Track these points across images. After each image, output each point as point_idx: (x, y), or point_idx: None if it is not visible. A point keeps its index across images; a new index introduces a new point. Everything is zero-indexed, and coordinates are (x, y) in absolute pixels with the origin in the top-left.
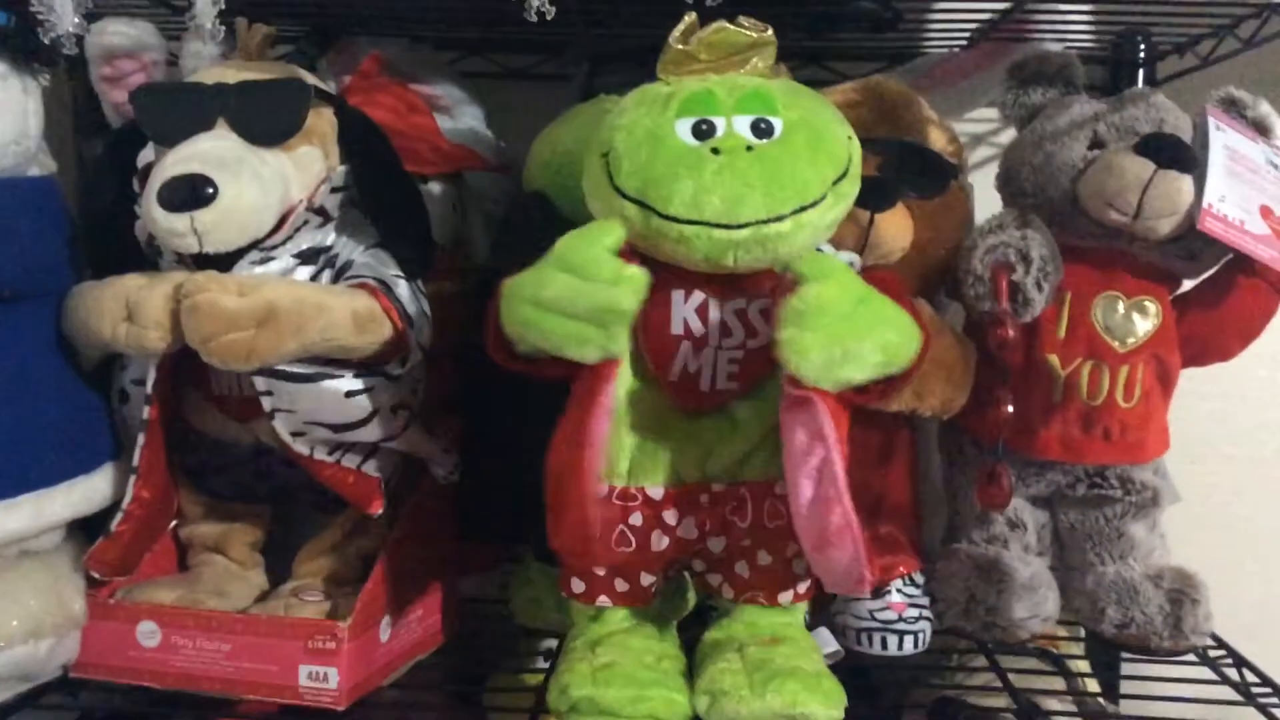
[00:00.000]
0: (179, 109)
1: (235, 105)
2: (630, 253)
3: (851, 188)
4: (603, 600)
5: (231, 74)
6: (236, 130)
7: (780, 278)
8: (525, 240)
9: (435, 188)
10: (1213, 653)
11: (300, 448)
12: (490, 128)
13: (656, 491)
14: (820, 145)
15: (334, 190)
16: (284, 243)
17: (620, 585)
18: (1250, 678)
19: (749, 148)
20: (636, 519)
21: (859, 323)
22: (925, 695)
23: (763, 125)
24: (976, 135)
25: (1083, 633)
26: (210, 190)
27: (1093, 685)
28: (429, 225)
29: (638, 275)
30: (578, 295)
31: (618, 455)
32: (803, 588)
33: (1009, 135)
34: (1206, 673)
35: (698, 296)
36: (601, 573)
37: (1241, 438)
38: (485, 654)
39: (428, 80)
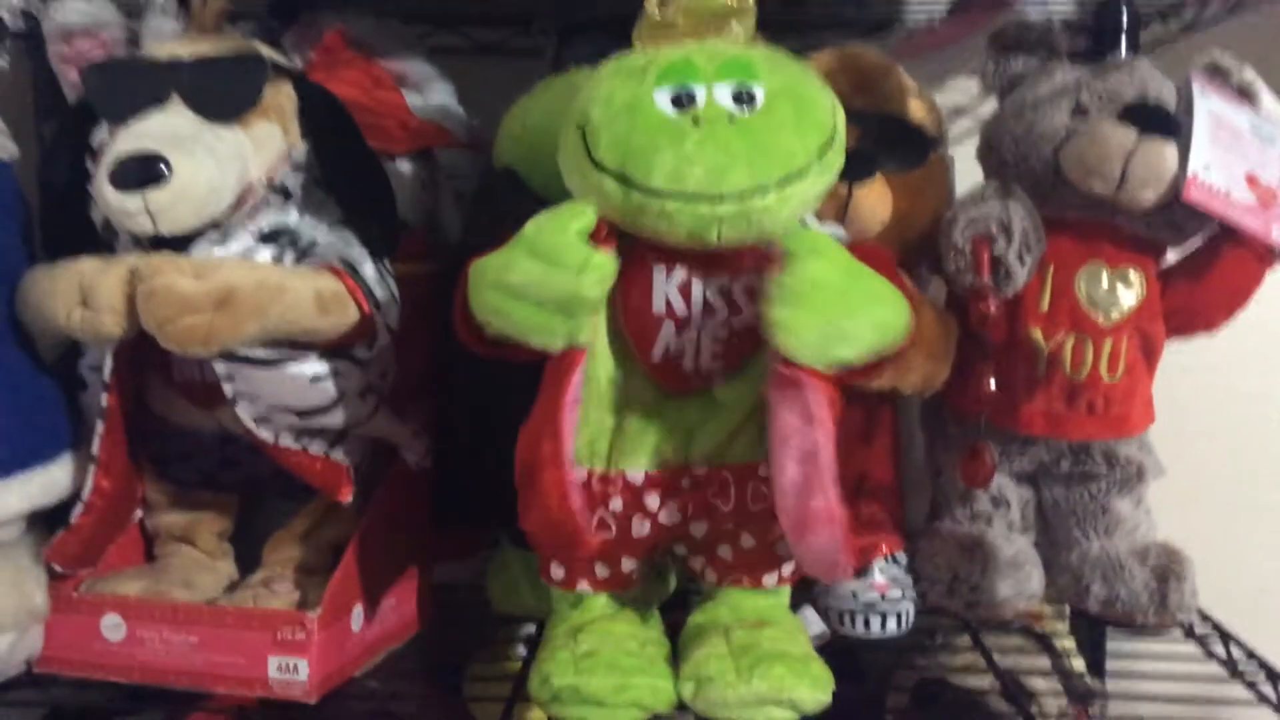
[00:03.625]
0: (131, 85)
1: (189, 80)
2: (608, 231)
3: (837, 158)
4: (583, 586)
5: (185, 48)
6: (191, 106)
7: (766, 253)
8: (496, 218)
9: (404, 165)
10: (1199, 629)
11: (264, 434)
12: (461, 104)
13: (637, 476)
14: (805, 114)
15: (295, 168)
16: (243, 222)
17: (601, 571)
18: (1237, 653)
19: (731, 117)
20: (616, 504)
21: (852, 300)
22: (910, 676)
23: (744, 94)
24: (957, 106)
25: (1068, 610)
26: (163, 168)
27: (1079, 663)
28: (394, 203)
29: (605, 262)
30: (543, 282)
31: (596, 438)
32: (787, 570)
33: (989, 107)
34: (1193, 648)
35: (680, 274)
36: (571, 556)
37: (1226, 410)
38: (462, 642)
39: (395, 56)
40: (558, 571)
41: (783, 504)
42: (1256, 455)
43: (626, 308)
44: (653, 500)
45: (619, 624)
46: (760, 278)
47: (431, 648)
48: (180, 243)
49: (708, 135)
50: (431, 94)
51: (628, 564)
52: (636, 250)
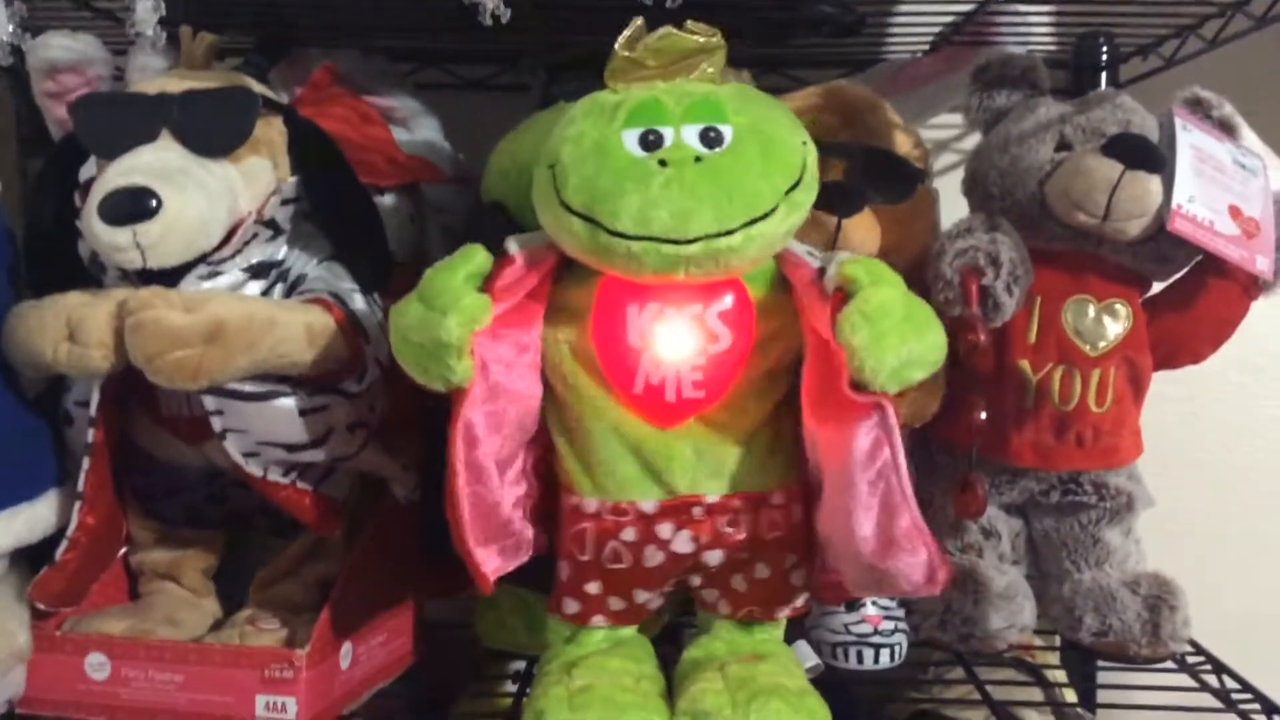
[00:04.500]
0: (120, 120)
1: (179, 115)
2: (521, 275)
3: (806, 196)
4: (598, 620)
5: (175, 83)
6: (181, 141)
7: (734, 283)
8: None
9: (391, 200)
10: (1191, 659)
11: (253, 469)
12: (448, 140)
13: (649, 505)
14: (772, 153)
15: (285, 202)
16: (232, 256)
17: (615, 604)
18: (1230, 684)
19: (697, 158)
20: (629, 534)
21: (918, 322)
22: (901, 709)
23: (711, 134)
24: (940, 141)
25: (1059, 641)
26: (153, 203)
27: (1070, 694)
28: (385, 237)
29: (473, 306)
30: (419, 325)
31: (601, 471)
32: (800, 601)
33: (973, 141)
34: (1186, 680)
35: (653, 307)
36: (595, 590)
37: (1213, 443)
38: (449, 678)
39: (382, 91)
40: (571, 606)
41: (863, 532)
42: (1243, 487)
43: (600, 342)
44: (665, 529)
45: (614, 659)
46: (806, 303)
47: (419, 684)
48: (169, 277)
49: (673, 178)
50: (418, 129)
51: (642, 596)
52: (609, 287)
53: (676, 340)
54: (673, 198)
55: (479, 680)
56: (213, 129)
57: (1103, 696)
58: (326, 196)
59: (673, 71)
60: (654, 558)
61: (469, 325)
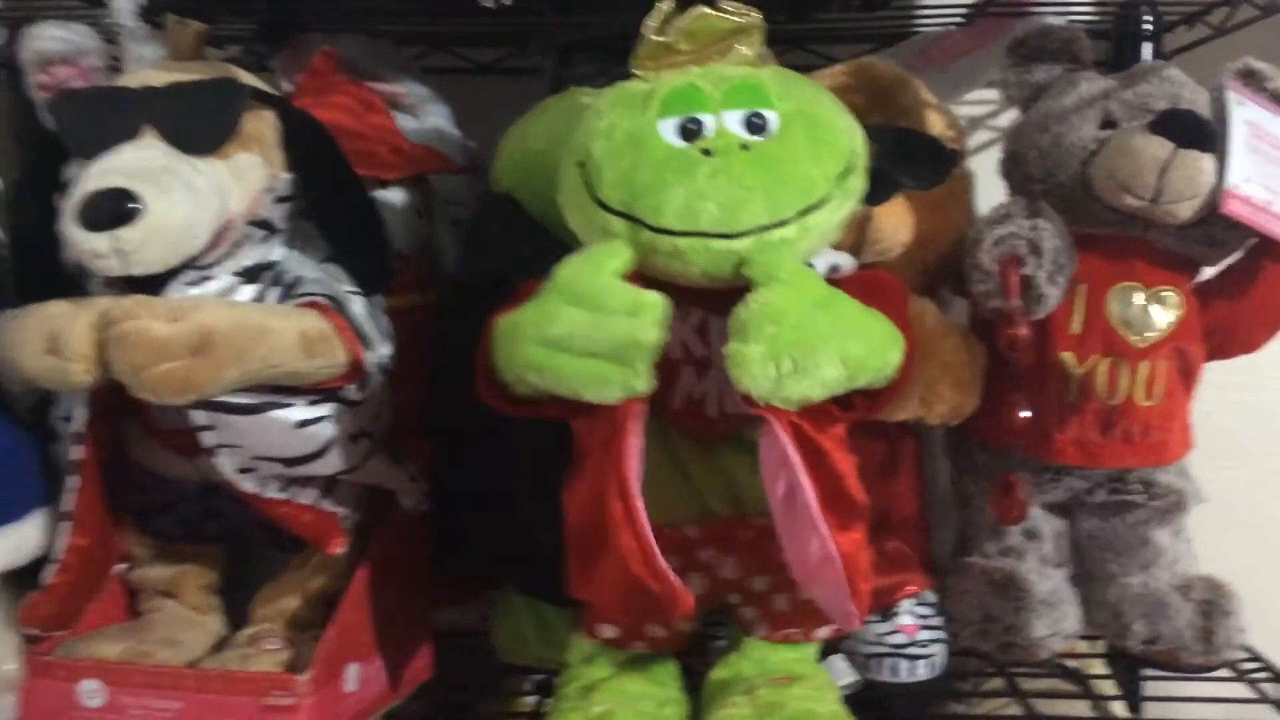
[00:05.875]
0: (100, 117)
1: (162, 111)
2: (636, 274)
3: (859, 182)
4: (640, 647)
5: (159, 76)
6: (165, 138)
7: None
8: (493, 246)
9: (397, 193)
10: (1246, 665)
11: (248, 485)
12: (458, 127)
13: (692, 530)
14: (822, 138)
15: (279, 200)
16: (223, 260)
17: (655, 631)
18: None
19: (743, 146)
20: (670, 560)
21: (812, 332)
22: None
23: (756, 120)
24: (974, 118)
25: (1104, 647)
26: (134, 205)
27: (1119, 707)
28: (386, 236)
29: (658, 302)
30: (593, 330)
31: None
32: None
33: (1008, 118)
34: (1242, 689)
35: (696, 314)
36: (658, 618)
37: (1266, 432)
38: (467, 689)
39: (388, 77)
40: (609, 631)
41: (786, 554)
42: None
43: None
44: (709, 555)
45: (635, 682)
46: None
47: (434, 695)
48: (154, 283)
49: (720, 167)
50: (426, 116)
51: (683, 623)
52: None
53: (720, 353)
54: (720, 188)
55: (497, 691)
56: (198, 124)
57: (1151, 710)
58: (323, 194)
59: (707, 55)
60: (698, 585)
61: (662, 323)
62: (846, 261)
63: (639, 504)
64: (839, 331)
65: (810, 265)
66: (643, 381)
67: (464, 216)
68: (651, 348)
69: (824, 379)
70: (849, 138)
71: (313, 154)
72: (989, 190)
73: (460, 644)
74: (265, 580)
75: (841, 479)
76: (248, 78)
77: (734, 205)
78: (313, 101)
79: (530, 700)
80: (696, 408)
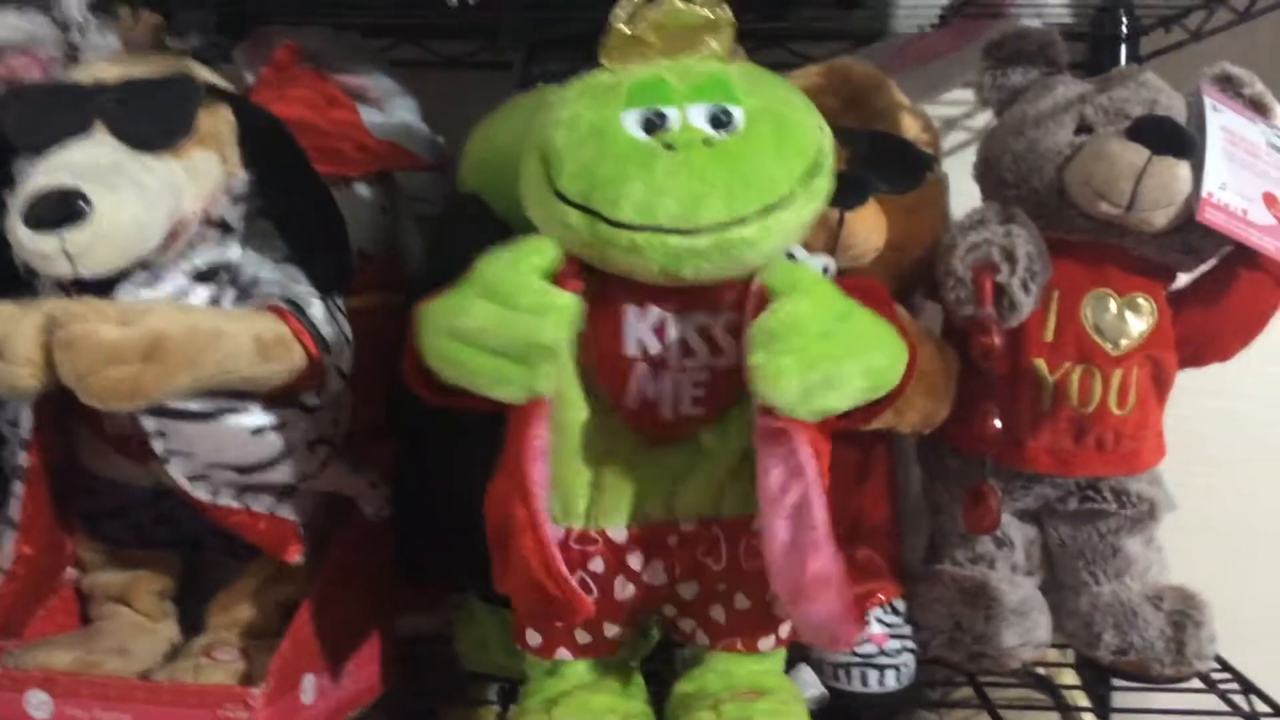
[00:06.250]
0: (49, 112)
1: (114, 106)
2: (574, 268)
3: (824, 183)
4: (562, 653)
5: (111, 70)
6: (116, 135)
7: (748, 290)
8: (460, 247)
9: (362, 189)
10: (1216, 675)
11: (201, 494)
12: (426, 121)
13: (619, 534)
14: (787, 136)
15: (235, 199)
16: (176, 260)
17: (581, 637)
18: (1260, 706)
19: (706, 141)
20: (597, 564)
21: (840, 344)
22: None
23: (721, 115)
24: (948, 119)
25: (1072, 655)
26: (82, 205)
27: (1086, 714)
28: (346, 236)
29: (568, 304)
30: (498, 327)
31: (571, 494)
32: (785, 631)
33: (984, 118)
34: (1212, 701)
35: (654, 313)
36: (559, 623)
37: (1238, 439)
38: (429, 695)
39: (354, 70)
40: (534, 638)
41: (774, 569)
42: (1274, 484)
43: (596, 350)
44: (636, 560)
45: (598, 695)
46: (745, 317)
47: (396, 704)
48: (104, 285)
49: (681, 162)
50: (393, 111)
51: (610, 629)
52: (606, 287)
53: (679, 353)
54: (680, 183)
55: (460, 699)
56: (151, 121)
57: (1121, 717)
58: (280, 192)
59: (675, 49)
60: (624, 590)
61: (567, 325)
62: (831, 267)
63: (539, 505)
64: (862, 343)
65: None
66: (544, 383)
67: (430, 214)
68: (553, 350)
69: (850, 391)
70: (815, 137)
71: (270, 151)
72: (963, 193)
73: (422, 651)
74: (221, 586)
75: (826, 496)
76: (204, 72)
77: (693, 201)
78: (275, 95)
79: (494, 709)
80: (650, 408)
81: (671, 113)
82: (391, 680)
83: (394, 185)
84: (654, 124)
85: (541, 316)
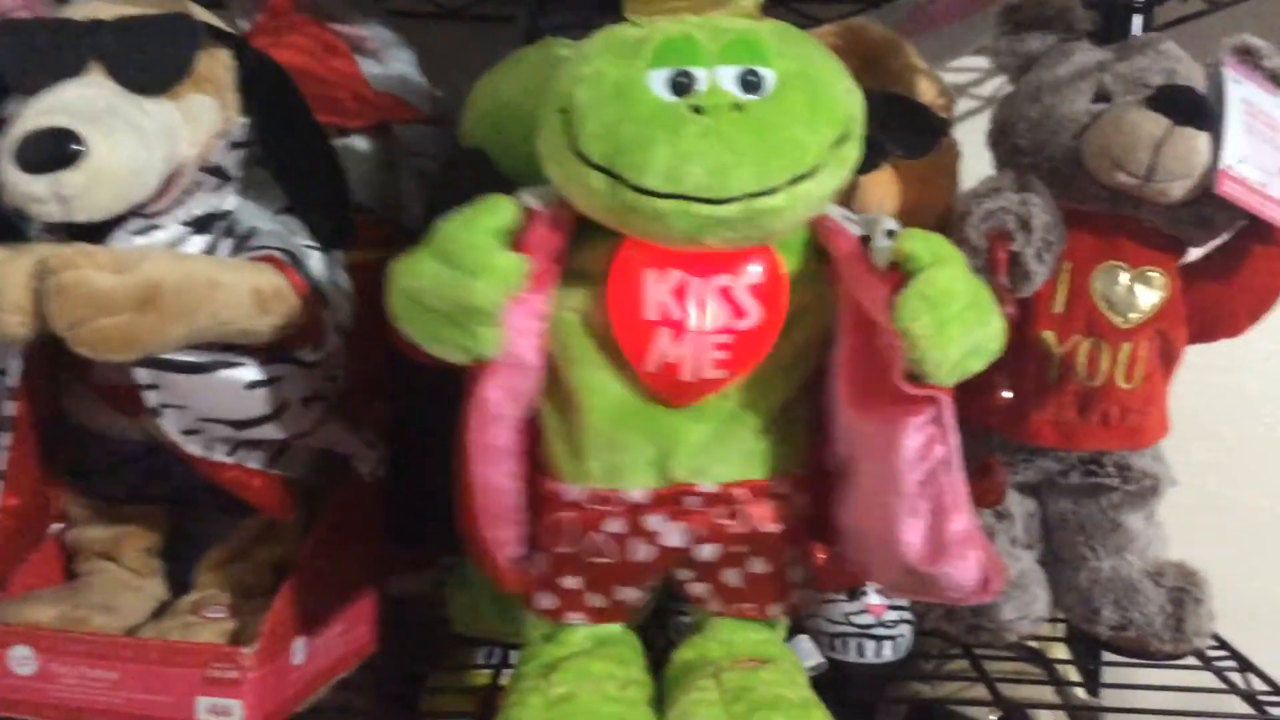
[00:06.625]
0: (43, 51)
1: (111, 46)
2: (548, 229)
3: (853, 150)
4: (576, 618)
5: (107, 9)
6: (112, 75)
7: (850, 248)
8: (461, 203)
9: (360, 142)
10: (1212, 652)
11: (194, 448)
12: (425, 74)
13: (637, 494)
14: (819, 102)
15: (233, 146)
16: (172, 208)
17: (596, 600)
18: (1257, 684)
19: (736, 106)
20: (614, 525)
21: (981, 308)
22: (901, 696)
23: (751, 78)
24: (958, 86)
25: (1064, 631)
26: (76, 147)
27: (1079, 690)
28: (347, 188)
29: (509, 267)
30: (439, 287)
31: (588, 453)
32: (796, 597)
33: (994, 86)
34: (1209, 678)
35: (674, 275)
36: (573, 585)
37: (1240, 415)
38: (419, 655)
39: (351, 19)
40: (546, 600)
41: (908, 535)
42: (1272, 462)
43: (614, 313)
44: (655, 521)
45: (597, 661)
46: (857, 281)
47: (385, 661)
48: (98, 231)
49: (710, 127)
50: (391, 62)
51: (625, 593)
52: (623, 249)
53: (700, 316)
54: (709, 150)
55: (450, 663)
56: (149, 62)
57: (1112, 691)
58: (280, 141)
59: (704, 4)
60: (641, 552)
61: (505, 289)
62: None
63: (477, 468)
64: (990, 308)
65: (891, 230)
66: (483, 346)
67: (429, 169)
68: (488, 313)
69: (988, 355)
70: (847, 103)
71: (270, 98)
72: (973, 160)
73: (412, 613)
74: (210, 544)
75: None
76: (202, 13)
77: (722, 169)
78: (270, 42)
79: (485, 673)
80: (671, 372)
81: (700, 74)
82: (381, 642)
83: (392, 138)
84: (682, 85)
85: (477, 278)
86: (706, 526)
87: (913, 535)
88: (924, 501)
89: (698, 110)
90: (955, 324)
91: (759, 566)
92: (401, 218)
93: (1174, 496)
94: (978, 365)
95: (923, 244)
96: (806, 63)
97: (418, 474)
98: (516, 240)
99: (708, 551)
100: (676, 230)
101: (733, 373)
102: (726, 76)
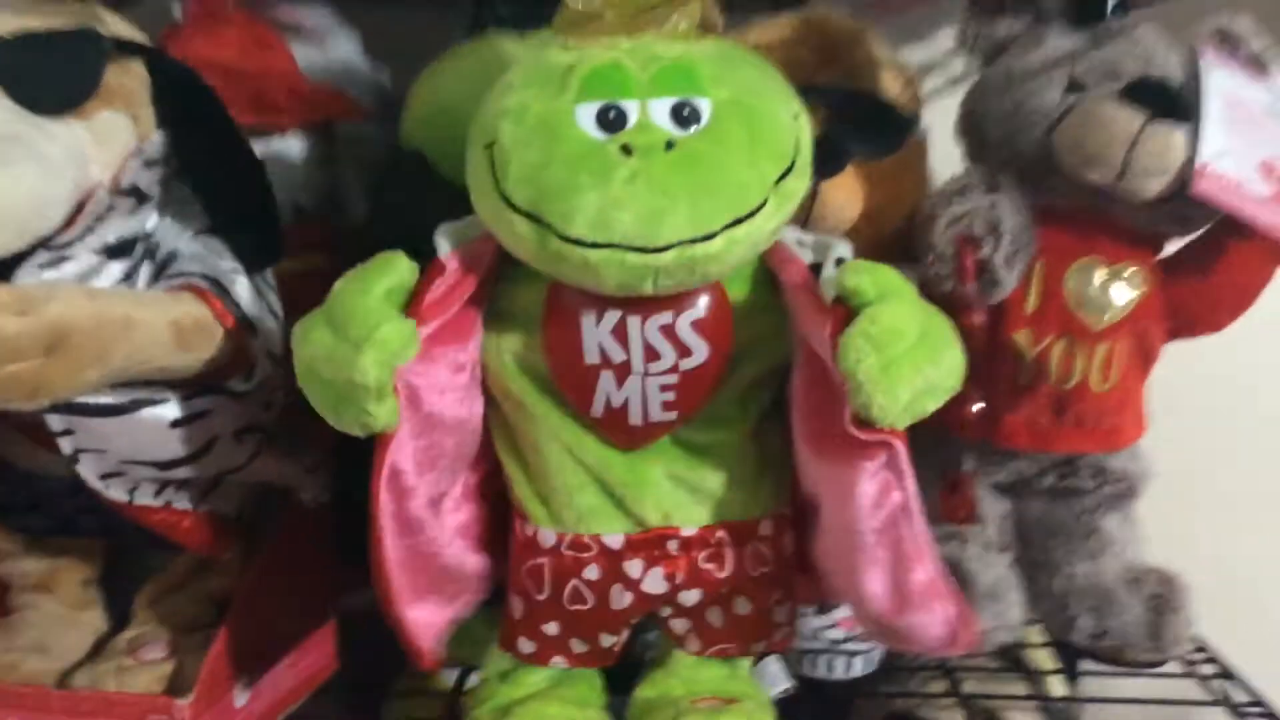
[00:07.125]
0: None
1: (8, 64)
2: (455, 283)
3: (799, 183)
4: (558, 661)
5: (4, 23)
6: (11, 95)
7: (801, 278)
8: (403, 210)
9: (295, 141)
10: (1193, 657)
11: (116, 493)
12: (370, 57)
13: (615, 540)
14: (760, 134)
15: (150, 164)
16: (83, 236)
17: (577, 646)
18: (1239, 697)
19: (669, 143)
20: (591, 572)
21: (933, 343)
22: (876, 710)
23: (685, 111)
24: (926, 66)
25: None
26: None
27: (1058, 689)
28: (274, 203)
29: (395, 336)
30: (328, 359)
31: (560, 499)
32: (779, 636)
33: (964, 63)
34: (1189, 687)
35: (612, 316)
36: (553, 632)
37: (1216, 402)
38: (380, 662)
39: (290, 2)
40: (526, 646)
41: (871, 587)
42: (1256, 457)
43: (553, 359)
44: (634, 567)
45: (553, 704)
46: (804, 317)
47: (343, 686)
48: (2, 267)
49: (640, 170)
50: (332, 47)
51: (608, 639)
52: (560, 293)
53: (642, 357)
54: (639, 196)
55: (411, 682)
56: (52, 80)
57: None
58: (200, 156)
59: (637, 25)
60: (621, 599)
61: (389, 362)
62: (847, 251)
63: (393, 541)
64: (946, 340)
65: (841, 259)
66: (377, 421)
67: (373, 158)
68: (373, 389)
69: (943, 392)
70: (791, 132)
71: (188, 109)
72: (943, 144)
73: (368, 632)
74: (150, 572)
75: None
76: (114, 22)
77: (653, 216)
78: (202, 39)
79: (445, 693)
80: (618, 415)
81: (630, 106)
82: (332, 667)
83: (333, 134)
84: (611, 121)
85: (361, 352)
86: (688, 572)
87: (875, 585)
88: (882, 550)
89: (627, 150)
90: (904, 364)
91: (744, 608)
92: (341, 217)
93: (1153, 488)
94: (933, 404)
95: (868, 277)
96: (746, 90)
97: (367, 488)
98: (418, 295)
99: (691, 597)
100: (609, 279)
101: (683, 414)
102: (659, 110)
